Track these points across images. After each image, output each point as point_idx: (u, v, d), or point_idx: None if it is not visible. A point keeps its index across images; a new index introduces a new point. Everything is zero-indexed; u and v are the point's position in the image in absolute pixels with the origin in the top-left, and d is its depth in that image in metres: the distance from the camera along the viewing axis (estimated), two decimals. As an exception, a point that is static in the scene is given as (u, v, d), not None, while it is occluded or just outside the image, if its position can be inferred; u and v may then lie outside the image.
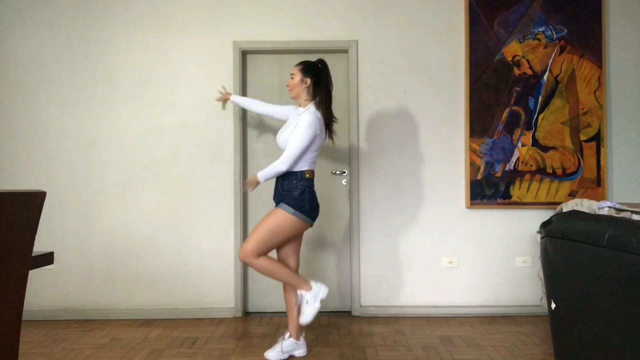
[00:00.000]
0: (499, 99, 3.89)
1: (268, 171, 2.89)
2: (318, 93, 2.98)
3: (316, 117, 2.88)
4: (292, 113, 3.10)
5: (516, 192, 3.88)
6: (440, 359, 2.92)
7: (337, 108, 4.01)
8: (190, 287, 3.89)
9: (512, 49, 3.89)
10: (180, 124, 3.91)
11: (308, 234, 3.99)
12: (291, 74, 3.02)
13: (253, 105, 3.41)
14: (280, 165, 2.87)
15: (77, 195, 3.90)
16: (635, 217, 2.92)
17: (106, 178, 3.90)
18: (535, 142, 3.89)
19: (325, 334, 3.43)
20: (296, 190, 2.89)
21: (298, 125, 2.87)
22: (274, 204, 2.94)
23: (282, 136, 2.98)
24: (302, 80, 2.98)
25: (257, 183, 2.90)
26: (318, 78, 2.99)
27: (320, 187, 3.97)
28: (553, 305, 2.00)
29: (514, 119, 3.89)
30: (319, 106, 2.96)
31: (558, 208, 3.68)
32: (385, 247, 3.90)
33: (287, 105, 3.27)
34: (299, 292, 2.94)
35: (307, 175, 2.93)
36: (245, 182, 2.96)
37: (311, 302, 2.91)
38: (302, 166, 2.92)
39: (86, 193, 3.90)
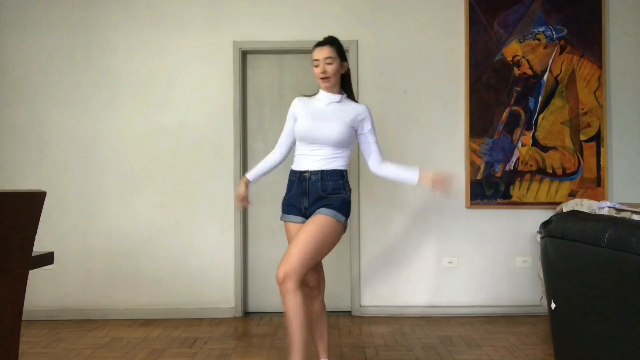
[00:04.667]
0: (499, 99, 3.89)
1: (394, 172, 2.50)
2: (349, 79, 2.56)
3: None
4: (318, 102, 2.52)
5: (516, 192, 3.88)
6: (440, 359, 2.92)
7: (337, 108, 4.02)
8: (190, 287, 3.89)
9: (512, 49, 3.89)
10: (180, 124, 3.91)
11: (308, 234, 3.98)
12: (327, 58, 2.41)
13: (269, 162, 2.66)
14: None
15: (77, 195, 3.90)
16: (635, 217, 2.92)
17: (106, 178, 3.90)
18: (535, 142, 3.89)
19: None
20: (345, 192, 2.42)
21: (366, 120, 2.50)
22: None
23: (328, 127, 2.42)
24: (341, 65, 2.47)
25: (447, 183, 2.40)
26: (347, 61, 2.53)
27: (320, 187, 3.97)
28: (553, 305, 1.99)
29: (514, 119, 3.88)
30: (351, 97, 2.58)
31: (558, 208, 3.68)
32: (385, 247, 3.90)
33: (290, 115, 2.59)
34: None
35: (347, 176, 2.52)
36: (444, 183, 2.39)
37: None
38: (345, 165, 2.49)
39: (86, 193, 3.90)
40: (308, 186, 2.42)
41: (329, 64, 2.41)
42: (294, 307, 2.19)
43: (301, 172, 2.45)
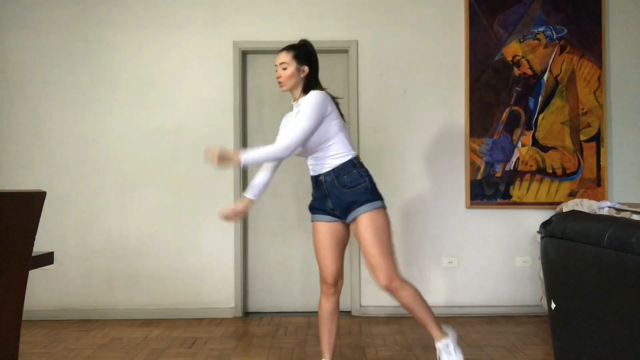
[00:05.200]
0: (499, 99, 3.89)
1: (257, 154, 2.33)
2: (314, 82, 2.50)
3: (321, 93, 2.40)
4: (292, 114, 2.58)
5: (516, 192, 3.88)
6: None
7: (337, 108, 4.02)
8: (190, 287, 3.89)
9: (512, 49, 3.89)
10: (180, 124, 3.91)
11: (310, 234, 3.98)
12: (282, 63, 2.44)
13: (263, 178, 2.63)
14: (278, 150, 2.31)
15: (77, 195, 3.90)
16: (635, 217, 2.92)
17: (106, 178, 3.90)
18: (535, 142, 3.88)
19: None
20: (364, 179, 2.42)
21: (300, 109, 2.40)
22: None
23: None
24: (298, 70, 2.45)
25: (235, 162, 2.29)
26: (315, 65, 2.50)
27: (320, 187, 3.97)
28: (553, 305, 1.99)
29: (514, 119, 3.88)
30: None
31: (558, 208, 3.68)
32: (385, 247, 3.89)
33: (283, 120, 2.68)
34: (441, 342, 2.46)
35: (360, 160, 2.50)
36: (214, 153, 2.23)
37: (452, 352, 2.45)
38: (349, 151, 2.45)
39: (86, 193, 3.90)
40: (326, 188, 2.45)
41: (283, 69, 2.45)
42: (408, 297, 2.39)
43: (316, 177, 2.50)
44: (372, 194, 2.42)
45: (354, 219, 2.41)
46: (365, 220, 2.37)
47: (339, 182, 2.41)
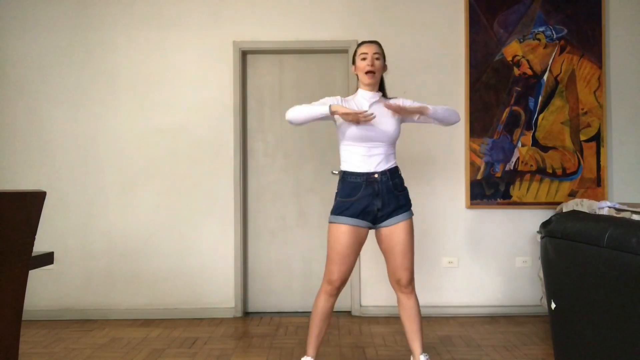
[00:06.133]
0: (499, 99, 3.89)
1: (440, 111, 2.57)
2: (382, 82, 2.61)
3: None
4: (360, 103, 2.52)
5: (516, 192, 3.88)
6: (441, 359, 2.92)
7: (337, 108, 4.01)
8: (190, 287, 3.89)
9: (512, 49, 3.89)
10: (180, 124, 3.91)
11: (310, 234, 3.98)
12: (375, 53, 2.48)
13: None
14: (456, 116, 2.63)
15: (77, 195, 3.90)
16: (635, 217, 2.92)
17: (106, 178, 3.90)
18: (535, 142, 3.88)
19: (325, 334, 3.42)
20: (406, 188, 2.57)
21: (404, 101, 2.54)
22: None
23: (385, 124, 2.47)
24: (384, 65, 2.54)
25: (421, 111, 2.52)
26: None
27: (320, 188, 3.97)
28: (553, 305, 1.99)
29: (514, 119, 3.88)
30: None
31: (558, 208, 3.68)
32: (385, 247, 3.89)
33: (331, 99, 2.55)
34: (424, 355, 2.52)
35: None
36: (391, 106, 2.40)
37: None
38: (395, 160, 2.60)
39: (86, 193, 3.90)
40: (380, 187, 2.44)
41: (377, 59, 2.48)
42: (417, 301, 2.55)
43: (369, 174, 2.45)
44: (410, 201, 2.55)
45: (395, 223, 2.47)
46: (407, 225, 2.49)
47: (393, 183, 2.48)
